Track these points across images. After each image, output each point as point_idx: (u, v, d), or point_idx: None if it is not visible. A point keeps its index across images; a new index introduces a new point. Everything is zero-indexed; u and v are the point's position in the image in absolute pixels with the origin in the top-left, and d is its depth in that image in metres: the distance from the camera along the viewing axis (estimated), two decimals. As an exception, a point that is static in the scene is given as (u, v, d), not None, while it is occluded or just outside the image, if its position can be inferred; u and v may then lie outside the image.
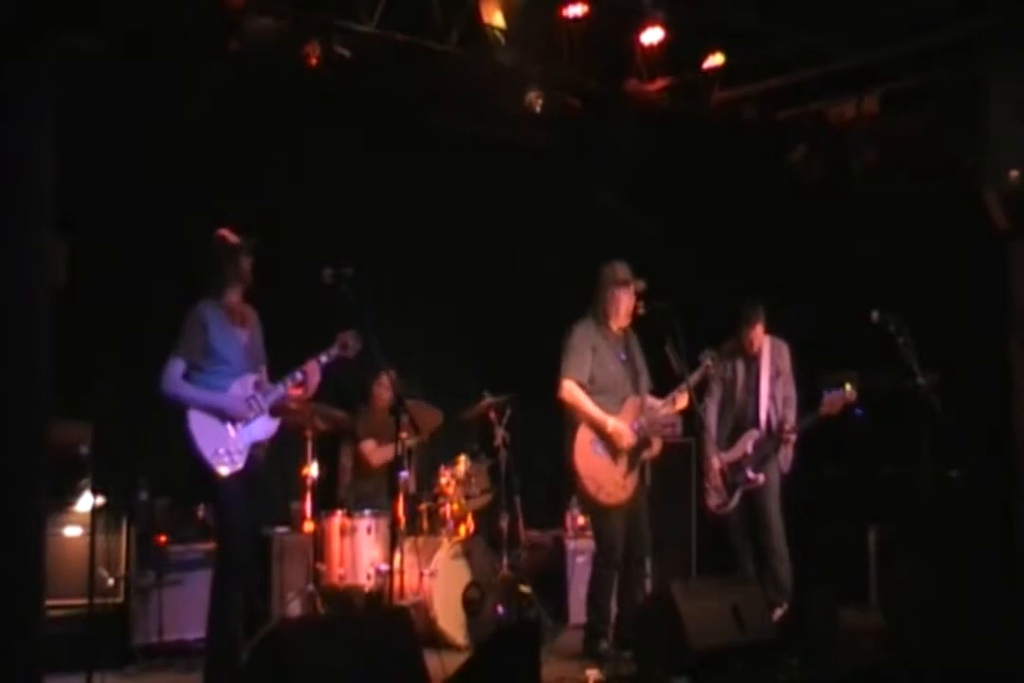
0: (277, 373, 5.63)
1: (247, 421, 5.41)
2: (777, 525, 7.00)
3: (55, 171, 5.05)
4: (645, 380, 6.55)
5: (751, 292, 7.28)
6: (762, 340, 7.18)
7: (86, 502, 6.14)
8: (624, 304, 6.40)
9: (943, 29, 6.93)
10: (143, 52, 6.41)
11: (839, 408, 6.97)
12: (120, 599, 6.25)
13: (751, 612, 5.72)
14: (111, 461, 6.03)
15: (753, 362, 7.18)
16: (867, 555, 7.97)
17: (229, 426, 5.36)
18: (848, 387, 6.94)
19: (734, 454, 7.07)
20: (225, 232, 5.54)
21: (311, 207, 7.46)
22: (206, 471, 5.26)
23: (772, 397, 7.12)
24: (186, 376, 5.34)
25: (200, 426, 5.30)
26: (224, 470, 5.28)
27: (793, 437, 7.06)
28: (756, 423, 7.10)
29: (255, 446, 5.46)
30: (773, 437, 7.05)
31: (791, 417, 7.12)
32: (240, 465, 5.34)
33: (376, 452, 7.33)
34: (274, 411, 5.55)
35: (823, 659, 5.74)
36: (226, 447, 5.32)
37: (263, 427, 5.50)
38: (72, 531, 6.18)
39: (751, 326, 7.13)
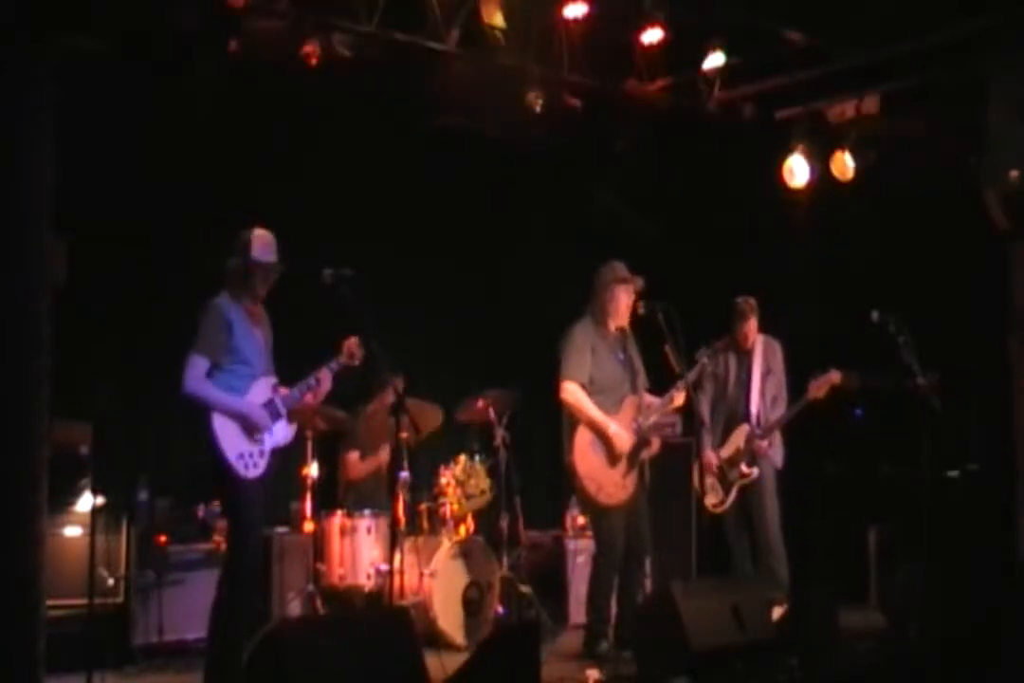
0: (276, 374, 5.61)
1: (270, 428, 5.37)
2: (773, 523, 6.99)
3: (55, 171, 5.05)
4: (642, 379, 6.55)
5: (749, 290, 7.28)
6: (756, 335, 7.20)
7: (86, 502, 6.14)
8: (624, 302, 6.41)
9: (943, 29, 6.93)
10: (143, 52, 6.41)
11: (825, 391, 6.93)
12: (120, 599, 6.25)
13: (751, 612, 5.72)
14: (111, 461, 6.02)
15: (745, 357, 7.19)
16: (867, 555, 7.97)
17: (253, 431, 5.32)
18: (834, 370, 6.91)
19: (728, 450, 7.09)
20: (264, 245, 5.39)
21: (311, 207, 7.45)
22: (227, 473, 5.18)
23: (763, 393, 7.12)
24: (207, 374, 5.23)
25: (225, 428, 5.21)
26: (249, 474, 5.22)
27: (765, 442, 7.02)
28: (747, 418, 7.10)
29: (274, 451, 5.42)
30: (767, 432, 7.04)
31: (773, 417, 7.11)
32: (262, 469, 5.30)
33: (358, 465, 7.35)
34: (289, 416, 5.53)
35: (823, 659, 5.73)
36: (250, 450, 5.26)
37: (282, 433, 5.47)
38: (72, 531, 6.18)
39: (745, 320, 7.15)
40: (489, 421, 7.18)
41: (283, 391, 5.47)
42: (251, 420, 5.27)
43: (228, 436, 5.21)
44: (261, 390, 5.39)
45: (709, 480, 7.09)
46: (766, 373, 7.15)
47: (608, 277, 6.42)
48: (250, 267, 5.37)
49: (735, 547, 7.12)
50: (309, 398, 5.62)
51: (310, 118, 7.36)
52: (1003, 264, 7.61)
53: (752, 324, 7.17)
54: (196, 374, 5.19)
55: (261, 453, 5.31)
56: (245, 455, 5.24)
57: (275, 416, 5.40)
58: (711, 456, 7.08)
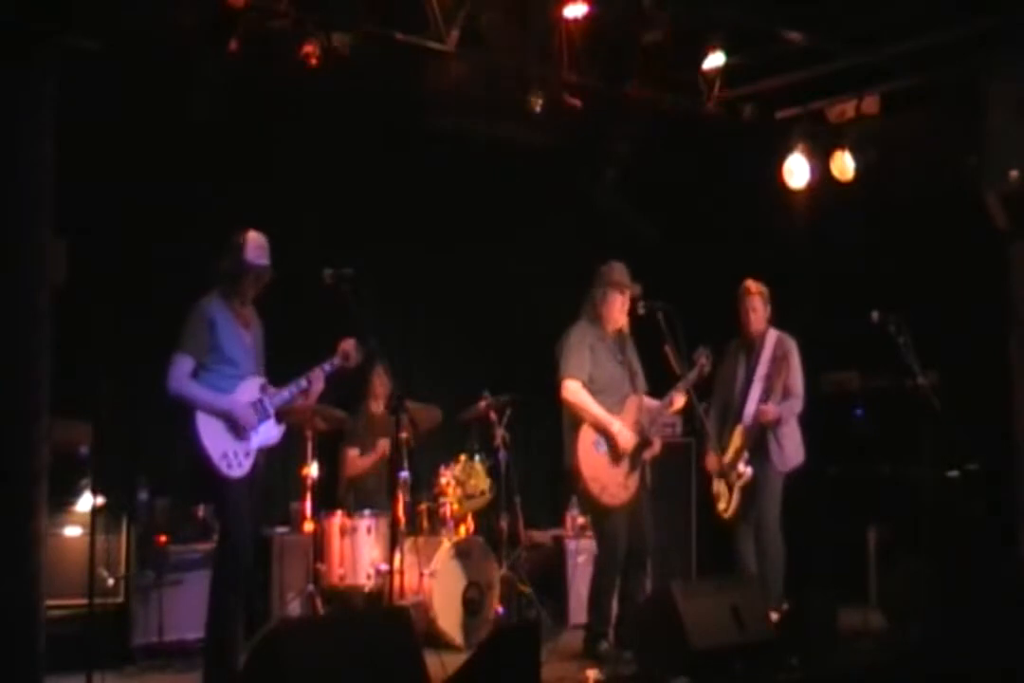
0: (274, 374, 5.61)
1: (255, 427, 5.38)
2: (772, 526, 6.83)
3: (55, 171, 5.05)
4: (641, 381, 6.52)
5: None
6: (763, 324, 6.94)
7: (86, 502, 6.14)
8: (617, 306, 6.36)
9: (943, 29, 6.93)
10: (142, 52, 6.41)
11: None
12: (120, 599, 6.25)
13: (751, 612, 5.72)
14: (111, 461, 6.02)
15: (754, 357, 6.96)
16: (867, 555, 7.97)
17: (237, 430, 5.33)
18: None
19: (728, 454, 6.97)
20: (257, 248, 5.40)
21: (311, 207, 7.46)
22: (210, 472, 5.20)
23: (766, 391, 6.88)
24: (192, 374, 5.26)
25: (208, 427, 5.23)
26: (232, 473, 5.23)
27: (768, 420, 6.78)
28: (740, 419, 6.93)
29: (260, 450, 5.43)
30: (755, 428, 6.87)
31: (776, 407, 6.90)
32: (247, 468, 5.31)
33: (357, 461, 7.37)
34: (278, 416, 5.52)
35: (823, 659, 5.74)
36: (234, 449, 5.27)
37: (269, 432, 5.47)
38: (72, 531, 6.18)
39: (746, 300, 6.89)
40: (489, 421, 7.18)
41: (272, 391, 5.47)
42: (235, 418, 5.28)
43: (211, 435, 5.23)
44: (248, 390, 5.40)
45: (718, 486, 7.02)
46: (770, 375, 6.91)
47: (604, 279, 6.37)
48: (242, 270, 5.38)
49: (741, 549, 7.03)
50: (301, 399, 5.62)
51: (310, 118, 7.36)
52: (1003, 264, 7.61)
53: (754, 303, 6.88)
54: (179, 373, 5.23)
55: (246, 452, 5.32)
56: (229, 454, 5.25)
57: (262, 416, 5.40)
58: (713, 461, 6.99)
